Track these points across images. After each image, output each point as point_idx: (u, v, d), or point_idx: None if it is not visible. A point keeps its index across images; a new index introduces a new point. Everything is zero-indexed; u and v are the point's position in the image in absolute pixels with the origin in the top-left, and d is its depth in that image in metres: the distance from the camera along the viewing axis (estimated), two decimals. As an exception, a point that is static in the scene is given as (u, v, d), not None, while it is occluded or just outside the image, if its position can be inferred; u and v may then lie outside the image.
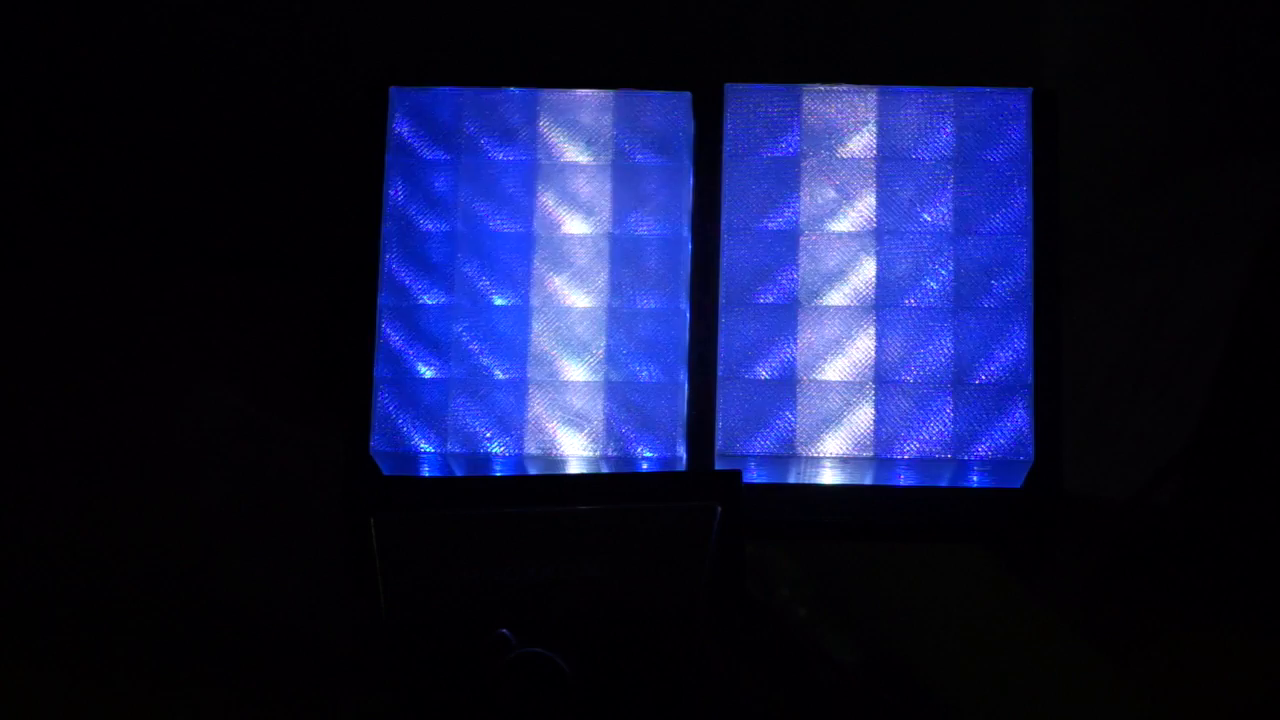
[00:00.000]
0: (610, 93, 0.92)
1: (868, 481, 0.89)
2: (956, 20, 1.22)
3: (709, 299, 0.90)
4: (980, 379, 0.87)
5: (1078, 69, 1.24)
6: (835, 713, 1.08)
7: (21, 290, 1.24)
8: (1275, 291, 1.19)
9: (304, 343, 1.23)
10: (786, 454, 0.87)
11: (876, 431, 0.87)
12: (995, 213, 0.89)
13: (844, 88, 0.91)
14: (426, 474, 0.90)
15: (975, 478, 0.88)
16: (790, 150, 0.90)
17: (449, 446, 0.88)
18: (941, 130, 0.90)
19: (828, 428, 0.87)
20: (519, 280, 0.90)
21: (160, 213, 1.25)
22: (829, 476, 0.89)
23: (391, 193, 0.91)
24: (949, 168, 0.90)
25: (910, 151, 0.90)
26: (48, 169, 1.26)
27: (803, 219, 0.90)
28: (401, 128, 0.92)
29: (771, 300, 0.89)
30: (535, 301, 0.90)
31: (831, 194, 0.90)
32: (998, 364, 0.88)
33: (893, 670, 1.12)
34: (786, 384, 0.88)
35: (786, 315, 0.89)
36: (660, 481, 0.83)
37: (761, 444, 0.87)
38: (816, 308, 0.89)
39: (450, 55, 1.21)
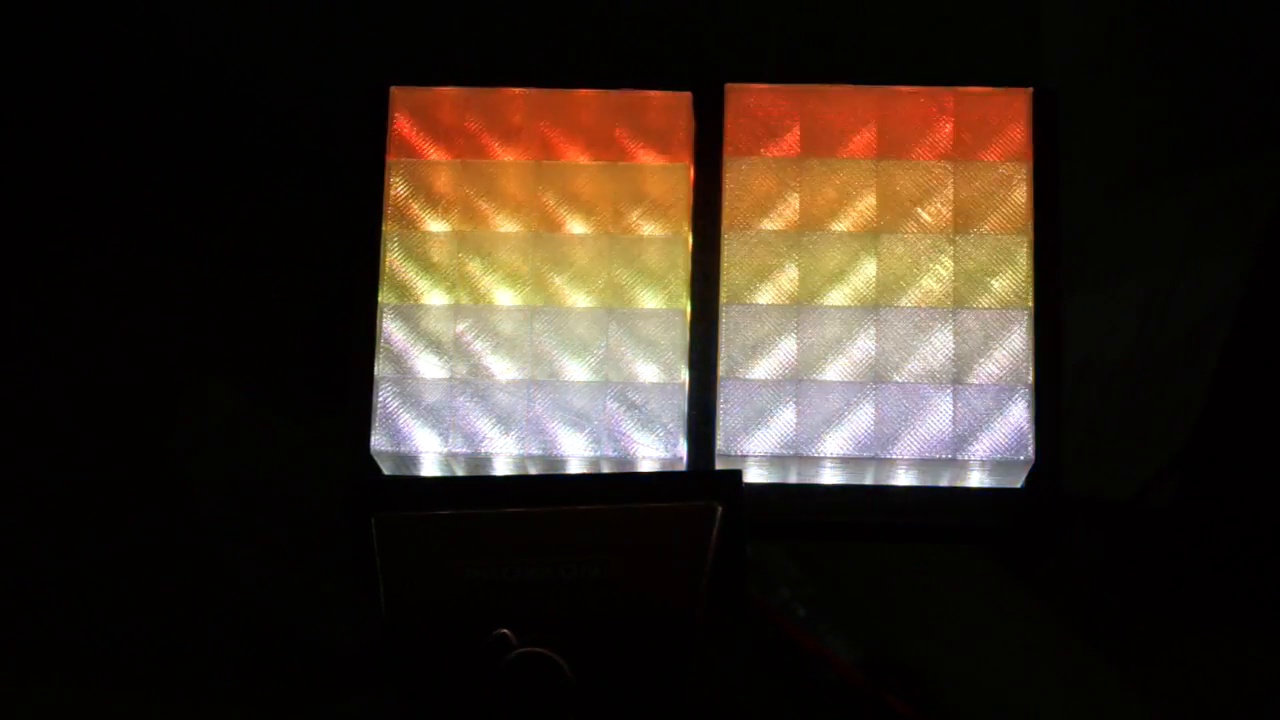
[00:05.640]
0: (610, 93, 0.92)
1: (868, 481, 0.89)
2: (956, 20, 1.22)
3: (709, 299, 0.90)
4: (980, 379, 0.87)
5: (1078, 69, 1.24)
6: (835, 713, 1.08)
7: (21, 289, 1.24)
8: (1275, 291, 1.19)
9: (304, 342, 1.23)
10: (786, 454, 0.87)
11: (876, 431, 0.87)
12: (995, 213, 0.89)
13: (844, 88, 0.91)
14: (427, 474, 0.90)
15: (975, 477, 0.88)
16: (790, 150, 0.90)
17: (450, 446, 0.88)
18: (941, 130, 0.90)
19: (828, 428, 0.87)
20: (519, 280, 0.90)
21: (160, 212, 1.25)
22: (829, 476, 0.89)
23: (392, 192, 0.91)
24: (949, 168, 0.90)
25: (910, 151, 0.90)
26: (48, 169, 1.26)
27: (803, 219, 0.90)
28: (402, 127, 0.92)
29: (771, 300, 0.89)
30: (536, 301, 0.90)
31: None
32: (998, 364, 0.87)
33: (893, 670, 1.12)
34: (786, 384, 0.88)
35: (786, 315, 0.89)
36: (660, 481, 0.83)
37: (761, 444, 0.87)
38: (816, 308, 0.89)
39: (450, 55, 1.22)
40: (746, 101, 0.91)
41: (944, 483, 0.89)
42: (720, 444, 0.87)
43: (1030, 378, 0.87)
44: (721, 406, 0.88)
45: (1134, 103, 1.25)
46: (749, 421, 0.87)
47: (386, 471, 0.90)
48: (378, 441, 0.89)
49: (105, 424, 1.20)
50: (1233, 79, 1.24)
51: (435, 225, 0.91)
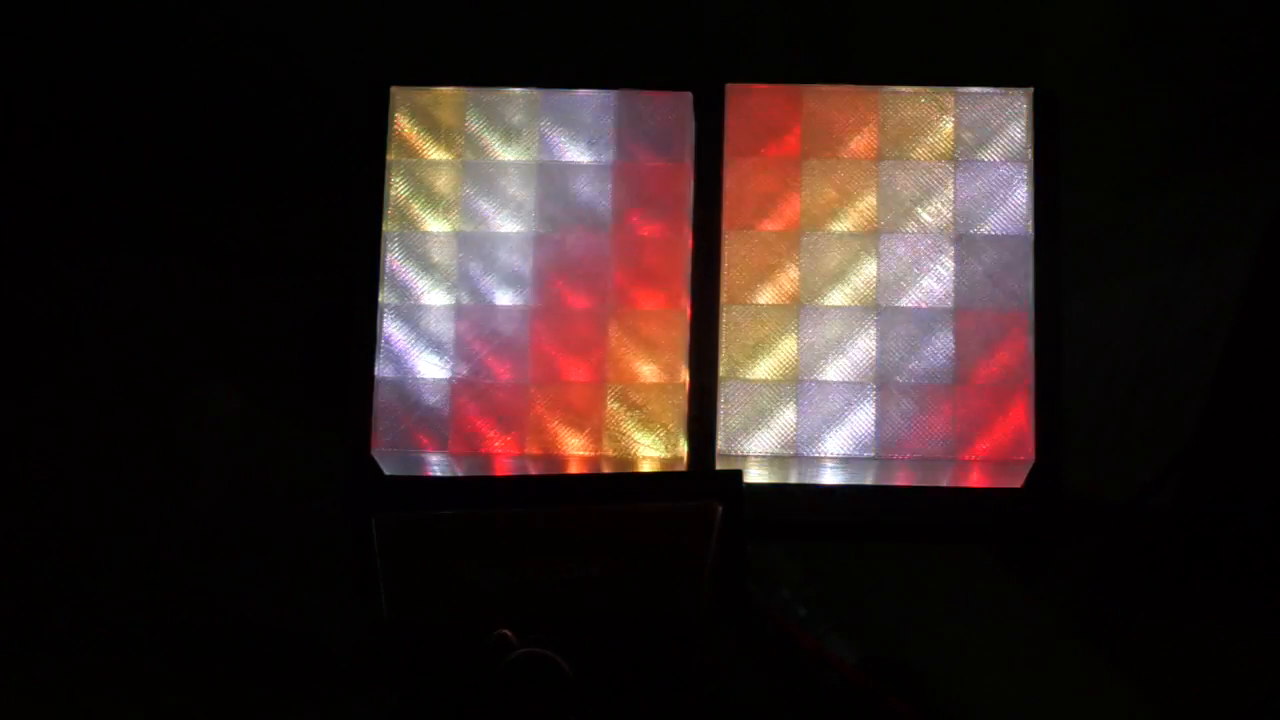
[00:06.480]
0: (610, 93, 0.92)
1: (868, 481, 0.89)
2: (956, 20, 1.22)
3: (709, 299, 0.90)
4: (980, 379, 0.87)
5: (1078, 69, 1.24)
6: (835, 713, 1.08)
7: (22, 290, 1.24)
8: (1275, 291, 1.19)
9: (304, 343, 1.23)
10: (786, 454, 0.87)
11: (876, 431, 0.87)
12: (995, 213, 0.89)
13: (844, 88, 0.91)
14: (427, 474, 0.90)
15: (975, 478, 0.88)
16: (790, 150, 0.90)
17: (450, 446, 0.88)
18: (941, 130, 0.90)
19: (828, 428, 0.87)
20: (520, 280, 0.90)
21: (161, 212, 1.25)
22: (829, 476, 0.89)
23: (393, 192, 0.91)
24: (949, 168, 0.90)
25: (910, 151, 0.90)
26: (49, 169, 1.26)
27: (803, 219, 0.90)
28: (402, 127, 0.92)
29: (771, 300, 0.89)
30: (536, 301, 0.90)
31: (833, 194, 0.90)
32: (998, 364, 0.87)
33: (893, 670, 1.12)
34: (786, 384, 0.88)
35: (786, 315, 0.89)
36: (660, 481, 0.83)
37: (761, 444, 0.87)
38: (816, 308, 0.89)
39: (450, 55, 1.22)
40: (746, 101, 0.91)
41: (944, 483, 0.89)
42: (720, 444, 0.87)
43: (1030, 378, 0.87)
44: (721, 406, 0.88)
45: (1134, 103, 1.25)
46: (749, 421, 0.87)
47: (387, 472, 0.90)
48: (378, 442, 0.89)
49: (106, 424, 1.20)
50: (1233, 79, 1.24)
51: (435, 225, 0.91)
